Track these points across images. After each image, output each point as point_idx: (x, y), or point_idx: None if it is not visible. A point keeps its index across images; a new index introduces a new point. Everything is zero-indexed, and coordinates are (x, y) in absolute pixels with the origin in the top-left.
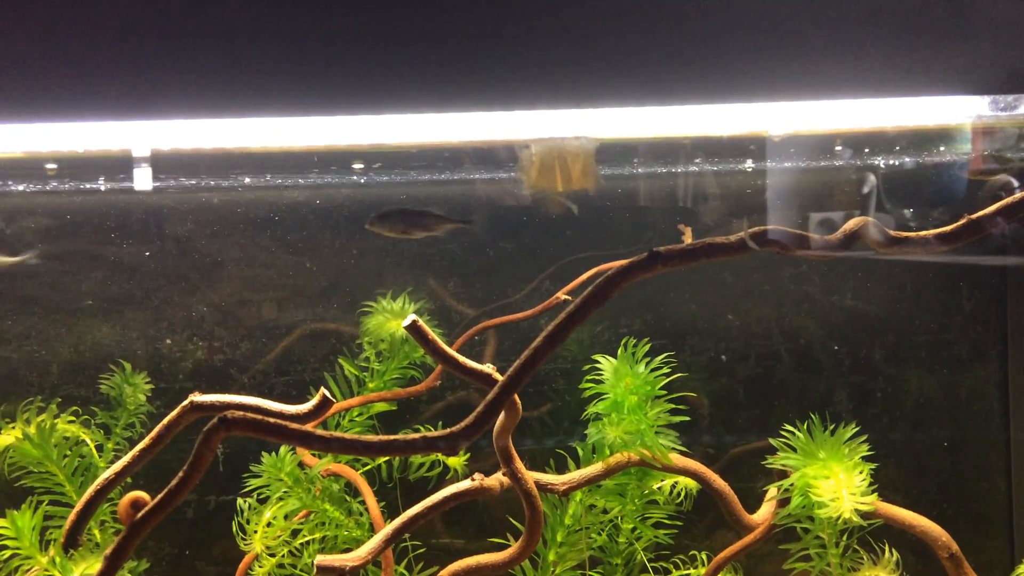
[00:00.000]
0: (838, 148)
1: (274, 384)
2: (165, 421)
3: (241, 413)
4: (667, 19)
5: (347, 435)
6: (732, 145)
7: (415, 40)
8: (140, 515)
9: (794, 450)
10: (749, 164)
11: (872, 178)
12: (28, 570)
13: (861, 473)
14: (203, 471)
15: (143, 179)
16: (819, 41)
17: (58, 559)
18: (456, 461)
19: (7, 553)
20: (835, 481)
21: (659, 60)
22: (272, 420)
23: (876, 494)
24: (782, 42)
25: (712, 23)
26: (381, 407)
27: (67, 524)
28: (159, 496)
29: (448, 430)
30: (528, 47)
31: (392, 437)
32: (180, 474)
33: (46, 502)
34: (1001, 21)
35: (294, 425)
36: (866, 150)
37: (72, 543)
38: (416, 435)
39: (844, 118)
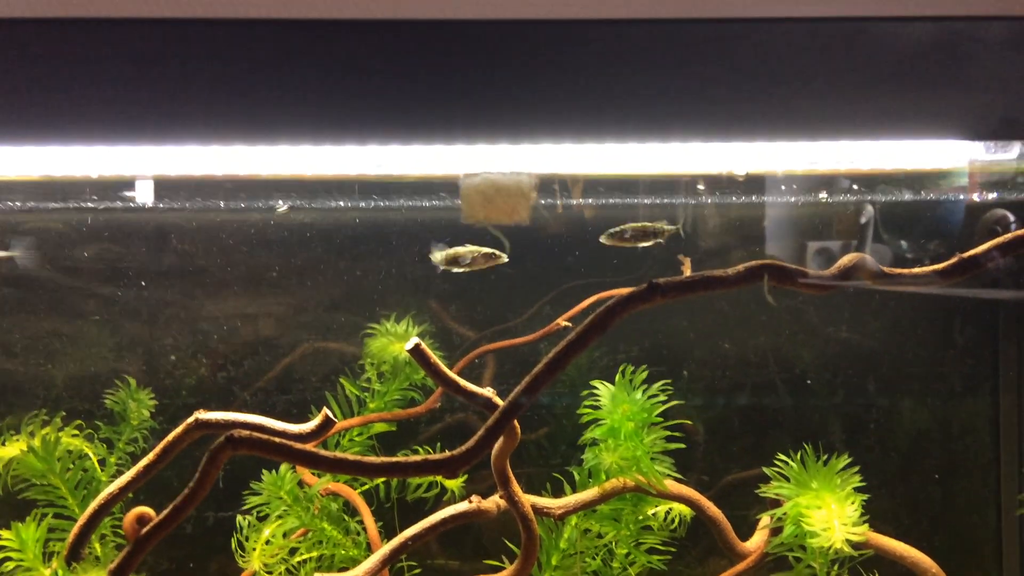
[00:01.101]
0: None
1: (276, 402)
2: (169, 437)
3: (248, 432)
4: (669, 59)
5: (352, 456)
6: (732, 181)
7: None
8: (145, 531)
9: (787, 479)
10: (751, 198)
11: (870, 209)
12: None
13: (853, 504)
14: (208, 488)
15: (148, 198)
16: (818, 86)
17: (60, 572)
18: (454, 483)
19: (11, 565)
20: (827, 511)
21: (659, 98)
22: (277, 440)
23: (867, 525)
24: (782, 86)
25: (712, 65)
26: (381, 427)
27: (70, 537)
28: (164, 512)
29: (450, 453)
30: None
31: (396, 459)
32: (186, 491)
33: (50, 515)
34: (992, 71)
35: (299, 445)
36: (856, 187)
37: (75, 556)
38: (419, 457)
39: (842, 159)
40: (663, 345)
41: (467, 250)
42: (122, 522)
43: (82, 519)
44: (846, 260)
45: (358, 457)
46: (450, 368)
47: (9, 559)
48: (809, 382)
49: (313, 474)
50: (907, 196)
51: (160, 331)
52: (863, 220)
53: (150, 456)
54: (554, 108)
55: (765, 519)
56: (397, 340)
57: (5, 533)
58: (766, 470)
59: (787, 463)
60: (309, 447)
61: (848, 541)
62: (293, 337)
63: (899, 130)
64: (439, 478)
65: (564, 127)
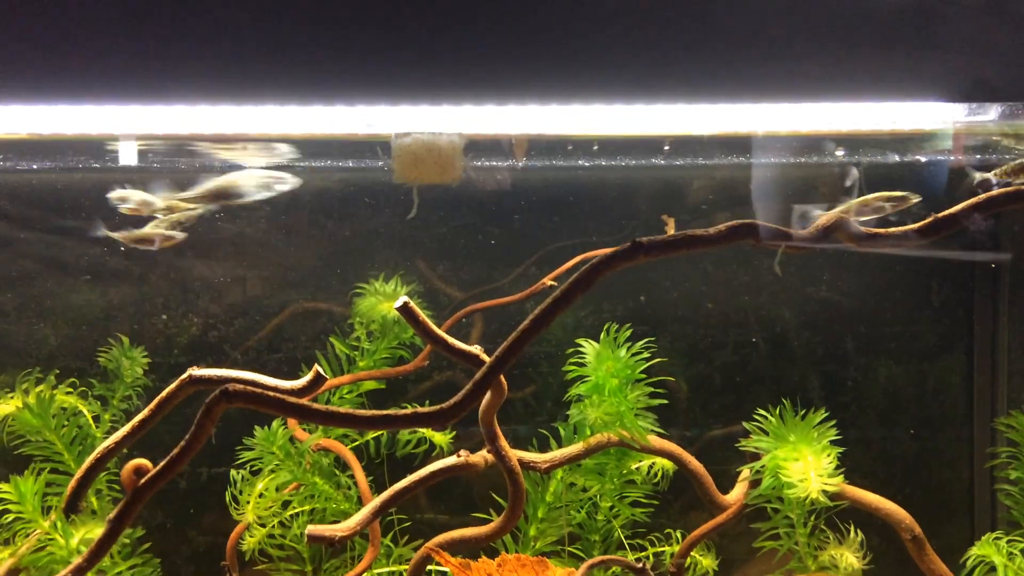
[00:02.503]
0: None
1: (266, 361)
2: (163, 393)
3: (242, 386)
4: (648, 23)
5: (344, 409)
6: (715, 143)
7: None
8: (143, 481)
9: (766, 433)
10: (734, 160)
11: (855, 172)
12: (30, 533)
13: (829, 456)
14: (204, 441)
15: (134, 159)
16: (797, 48)
17: (59, 524)
18: (442, 439)
19: (10, 517)
20: (804, 463)
21: (645, 61)
22: (272, 393)
23: (843, 476)
24: (763, 48)
25: (697, 28)
26: (370, 385)
27: (68, 490)
28: (161, 464)
29: (438, 406)
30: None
31: (387, 412)
32: (181, 443)
33: (47, 470)
34: (967, 34)
35: (292, 399)
36: (841, 151)
37: (73, 508)
38: (409, 410)
39: (824, 120)
40: (648, 305)
41: None
42: (118, 478)
43: (79, 472)
44: (825, 220)
45: (349, 410)
46: (438, 327)
47: (8, 511)
48: (789, 341)
49: (304, 430)
50: (893, 158)
51: (153, 292)
52: (848, 183)
53: (145, 411)
54: (532, 67)
55: (745, 472)
56: (386, 299)
57: (4, 486)
58: (746, 425)
59: (766, 418)
60: (302, 401)
61: (824, 492)
62: (282, 297)
63: (877, 92)
64: (428, 434)
65: (543, 88)
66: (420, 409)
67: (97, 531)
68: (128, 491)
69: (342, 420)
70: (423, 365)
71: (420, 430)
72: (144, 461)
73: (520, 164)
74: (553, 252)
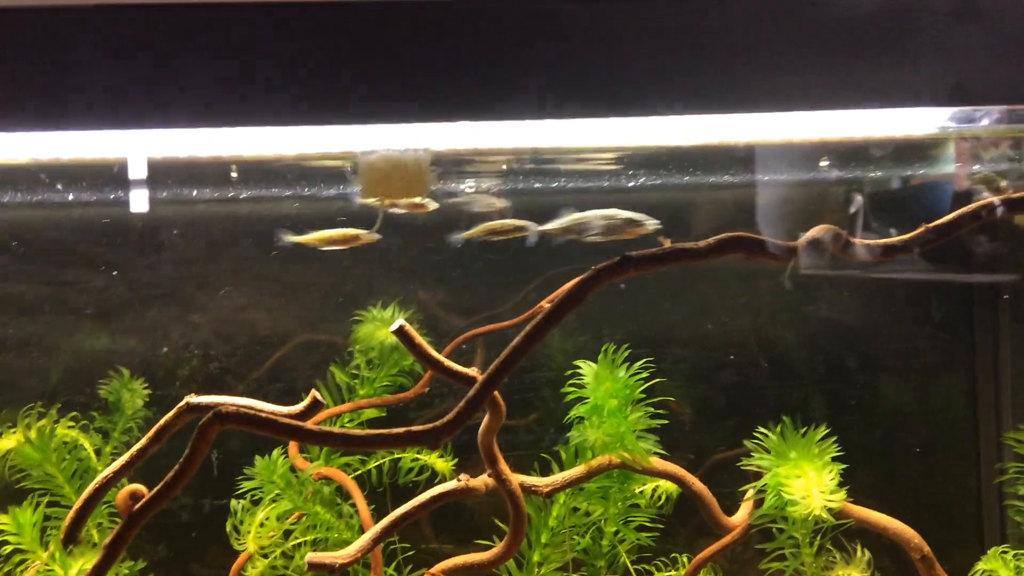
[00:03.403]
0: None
1: (268, 391)
2: (161, 422)
3: (235, 407)
4: (641, 35)
5: (336, 429)
6: (701, 156)
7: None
8: (138, 506)
9: (767, 451)
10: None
11: (859, 198)
12: (29, 565)
13: (831, 472)
14: (198, 464)
15: (137, 188)
16: (770, 57)
17: (58, 555)
18: (444, 466)
19: (8, 548)
20: (805, 480)
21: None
22: (264, 415)
23: (845, 492)
24: (737, 58)
25: (673, 37)
26: (371, 413)
27: (67, 520)
28: (156, 488)
29: (432, 424)
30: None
31: (379, 431)
32: (176, 467)
33: (46, 501)
34: (941, 40)
35: (286, 420)
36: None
37: (72, 539)
38: (401, 429)
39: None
40: (647, 327)
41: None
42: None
43: (79, 502)
44: (814, 232)
45: (344, 430)
46: (439, 353)
47: (7, 542)
48: (791, 361)
49: (304, 457)
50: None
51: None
52: (852, 209)
53: (143, 440)
54: (522, 85)
55: (750, 492)
56: (383, 326)
57: (3, 517)
58: (748, 444)
59: (767, 435)
60: (293, 421)
61: (831, 512)
62: (284, 328)
63: (861, 99)
64: (431, 461)
65: (532, 105)
66: (414, 428)
67: (93, 562)
68: (124, 516)
69: (337, 440)
70: (424, 392)
71: (422, 458)
72: (139, 486)
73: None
74: (553, 278)
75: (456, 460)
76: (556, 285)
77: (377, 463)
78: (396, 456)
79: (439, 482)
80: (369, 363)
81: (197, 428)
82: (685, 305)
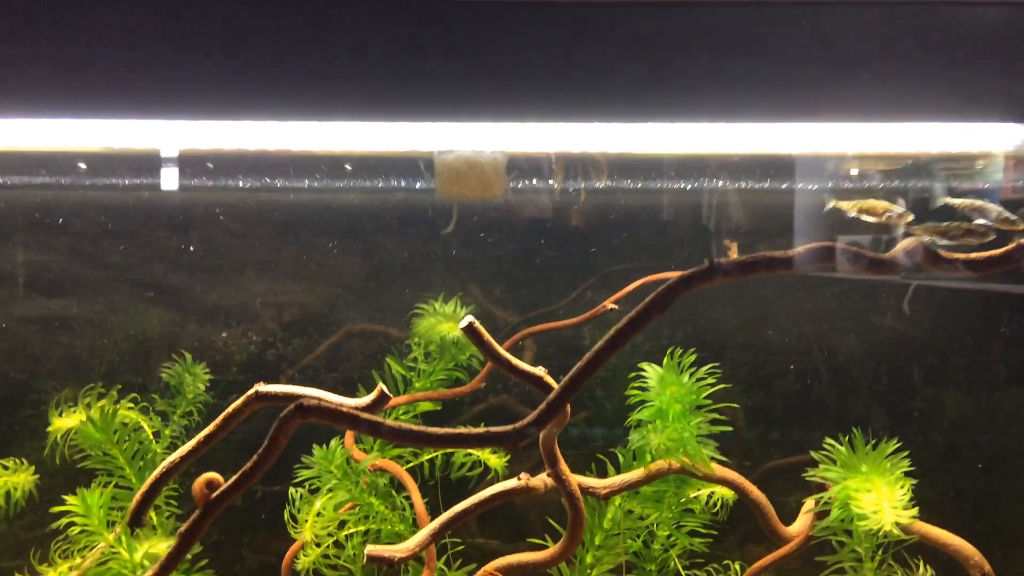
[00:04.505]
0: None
1: (323, 380)
2: (230, 409)
3: (316, 400)
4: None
5: (415, 427)
6: (757, 165)
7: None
8: (214, 495)
9: (835, 463)
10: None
11: (900, 204)
12: (94, 547)
13: (902, 488)
14: (277, 455)
15: (203, 177)
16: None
17: (124, 538)
18: (497, 463)
19: (76, 529)
20: (876, 494)
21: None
22: (345, 409)
23: (916, 509)
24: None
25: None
26: (426, 406)
27: (133, 504)
28: (233, 478)
29: (511, 426)
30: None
31: (458, 431)
32: (255, 457)
33: (113, 483)
34: None
35: (364, 414)
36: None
37: (137, 522)
38: (481, 429)
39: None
40: (707, 331)
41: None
42: (176, 494)
43: (145, 485)
44: (906, 243)
45: (421, 428)
46: None
47: (74, 524)
48: (853, 370)
49: (360, 449)
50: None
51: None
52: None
53: (211, 427)
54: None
55: (809, 503)
56: (445, 320)
57: (71, 499)
58: (813, 454)
59: (835, 447)
60: (374, 417)
61: (896, 525)
62: (339, 317)
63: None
64: (484, 457)
65: (606, 108)
66: (492, 429)
67: (159, 546)
68: (200, 505)
69: (413, 438)
70: (480, 387)
71: (476, 453)
72: (215, 475)
73: (557, 187)
74: (608, 275)
75: (508, 457)
76: (611, 283)
77: (429, 456)
78: (449, 450)
79: (491, 479)
80: (427, 356)
81: (278, 419)
82: (747, 310)
